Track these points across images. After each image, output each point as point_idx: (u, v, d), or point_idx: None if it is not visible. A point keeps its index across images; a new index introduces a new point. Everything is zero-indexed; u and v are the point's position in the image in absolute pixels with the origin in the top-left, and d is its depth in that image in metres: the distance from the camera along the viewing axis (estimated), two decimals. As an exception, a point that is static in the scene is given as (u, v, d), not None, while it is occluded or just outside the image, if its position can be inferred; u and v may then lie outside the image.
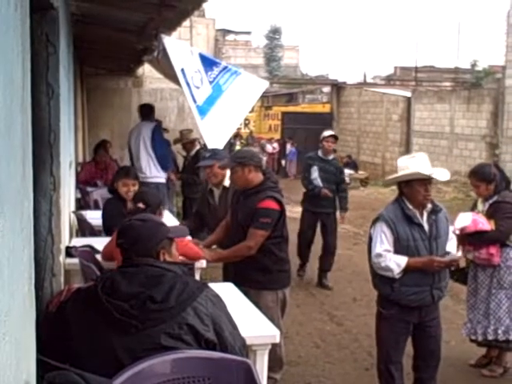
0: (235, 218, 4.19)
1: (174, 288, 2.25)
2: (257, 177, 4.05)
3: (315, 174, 7.15)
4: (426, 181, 3.61)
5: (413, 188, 3.64)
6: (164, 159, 7.84)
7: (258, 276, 4.04)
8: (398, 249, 3.62)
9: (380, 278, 3.72)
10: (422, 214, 3.68)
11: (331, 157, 7.31)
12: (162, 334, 2.18)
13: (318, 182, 7.13)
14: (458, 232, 4.40)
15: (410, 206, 3.66)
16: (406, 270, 3.60)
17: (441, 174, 3.69)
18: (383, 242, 3.63)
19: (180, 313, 2.21)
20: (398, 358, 3.81)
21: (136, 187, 4.90)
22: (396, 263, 3.58)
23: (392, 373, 3.79)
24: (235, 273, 4.13)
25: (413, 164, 3.69)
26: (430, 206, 3.70)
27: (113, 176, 8.18)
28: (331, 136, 7.28)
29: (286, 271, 4.21)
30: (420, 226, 3.65)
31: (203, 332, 2.23)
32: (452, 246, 3.84)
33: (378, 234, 3.67)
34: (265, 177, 4.11)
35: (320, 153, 7.23)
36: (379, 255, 3.63)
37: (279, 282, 4.15)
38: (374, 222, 3.76)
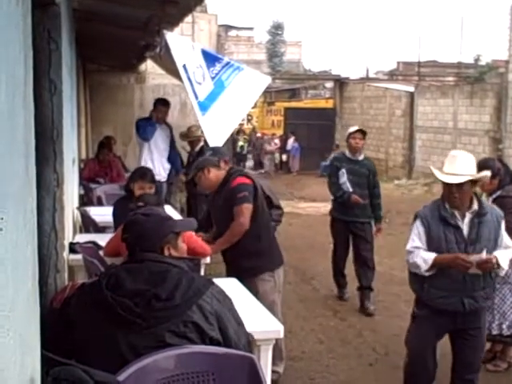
0: (217, 209, 4.31)
1: (179, 285, 2.24)
2: (220, 174, 4.22)
3: (344, 177, 6.14)
4: (449, 183, 3.43)
5: (443, 188, 3.52)
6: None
7: (253, 261, 4.13)
8: (430, 248, 3.50)
9: (414, 277, 3.63)
10: (463, 216, 3.49)
11: (361, 157, 6.27)
12: (167, 332, 2.17)
13: (348, 186, 6.12)
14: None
15: (448, 207, 3.50)
16: (438, 270, 3.47)
17: (456, 178, 3.41)
18: (414, 240, 3.54)
19: (185, 311, 2.20)
20: (425, 358, 3.65)
21: (152, 190, 4.63)
22: (423, 259, 3.46)
23: (416, 372, 3.71)
24: (232, 266, 4.25)
25: (446, 163, 3.51)
26: (475, 207, 3.49)
27: (117, 173, 8.24)
28: (358, 131, 6.25)
29: (276, 252, 4.36)
30: (457, 227, 3.47)
31: (208, 331, 2.22)
32: (504, 256, 3.51)
33: (412, 231, 3.59)
34: (228, 169, 4.25)
35: (347, 152, 6.27)
36: (408, 252, 3.55)
37: (274, 262, 4.28)
38: (414, 219, 3.66)
